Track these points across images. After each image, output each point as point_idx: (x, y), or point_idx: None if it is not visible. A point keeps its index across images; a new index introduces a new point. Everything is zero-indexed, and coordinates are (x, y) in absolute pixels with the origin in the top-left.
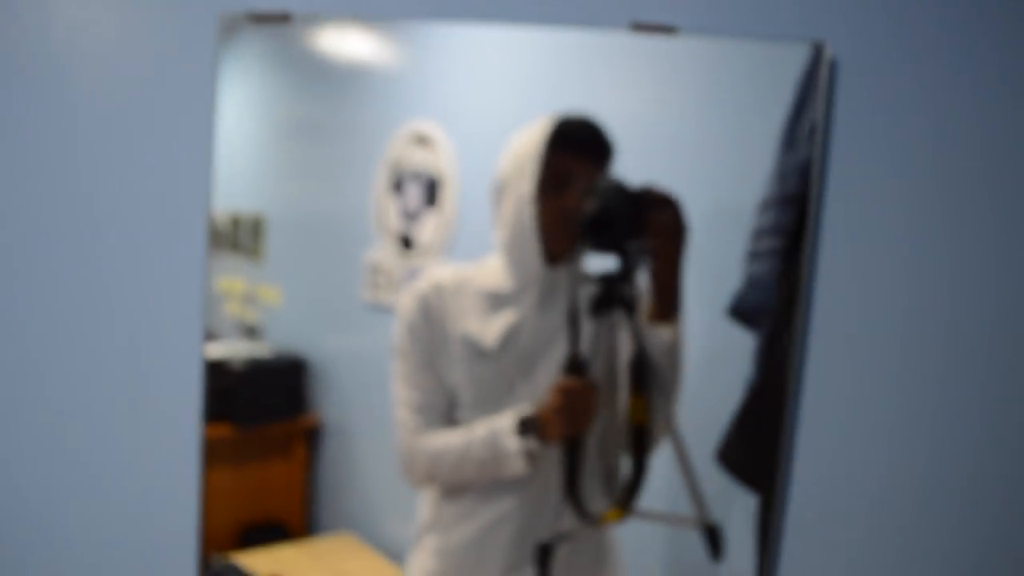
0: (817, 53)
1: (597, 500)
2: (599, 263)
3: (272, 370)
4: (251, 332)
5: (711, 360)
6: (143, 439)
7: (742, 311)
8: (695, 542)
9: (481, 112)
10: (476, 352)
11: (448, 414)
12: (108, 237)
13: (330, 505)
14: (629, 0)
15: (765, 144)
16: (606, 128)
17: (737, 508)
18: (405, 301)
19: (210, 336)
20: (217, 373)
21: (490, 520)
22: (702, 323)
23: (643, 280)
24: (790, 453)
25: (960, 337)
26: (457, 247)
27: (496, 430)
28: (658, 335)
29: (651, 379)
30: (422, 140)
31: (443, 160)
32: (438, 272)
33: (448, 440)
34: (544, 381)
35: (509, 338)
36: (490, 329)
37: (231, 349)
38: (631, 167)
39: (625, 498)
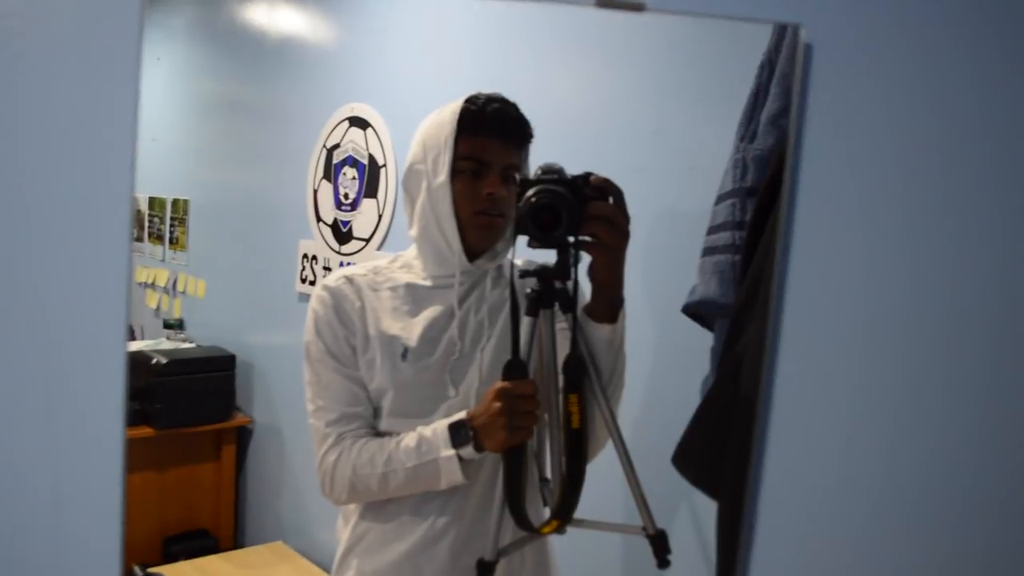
0: (785, 35)
1: (537, 510)
2: (529, 255)
3: (197, 367)
4: (174, 326)
5: (666, 361)
6: (59, 442)
7: (698, 308)
8: (646, 549)
9: (423, 93)
10: (397, 353)
11: (371, 424)
12: (20, 222)
13: (260, 512)
14: None
15: (721, 134)
16: (521, 105)
17: (692, 514)
18: (313, 298)
19: (128, 331)
20: (136, 370)
21: (423, 538)
22: (656, 322)
23: (582, 274)
24: (760, 457)
25: (938, 334)
26: (396, 237)
27: (427, 438)
28: (598, 334)
29: (587, 380)
30: (359, 124)
31: (381, 145)
32: (352, 267)
33: (372, 452)
34: (475, 384)
35: (432, 337)
36: (411, 328)
37: (152, 345)
38: (583, 154)
39: (563, 508)
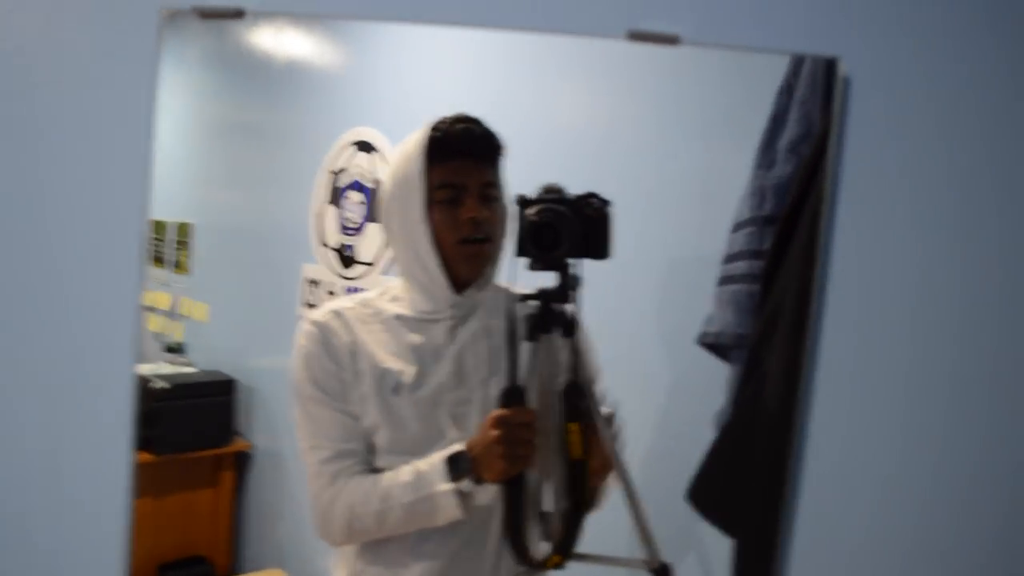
0: (804, 61)
1: (537, 544)
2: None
3: (198, 391)
4: (175, 350)
5: (677, 392)
6: (65, 466)
7: (714, 339)
8: None
9: (429, 118)
10: (390, 387)
11: (366, 461)
12: (34, 245)
13: (258, 538)
14: (627, 6)
15: (736, 160)
16: (527, 129)
17: (699, 551)
18: (301, 334)
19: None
20: (137, 395)
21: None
22: (670, 353)
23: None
24: (794, 494)
25: (984, 365)
26: None
27: (423, 472)
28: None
29: (587, 409)
30: (365, 148)
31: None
32: (340, 300)
33: (367, 489)
34: (475, 416)
35: (424, 372)
36: (402, 362)
37: (153, 369)
38: (590, 178)
39: (565, 541)
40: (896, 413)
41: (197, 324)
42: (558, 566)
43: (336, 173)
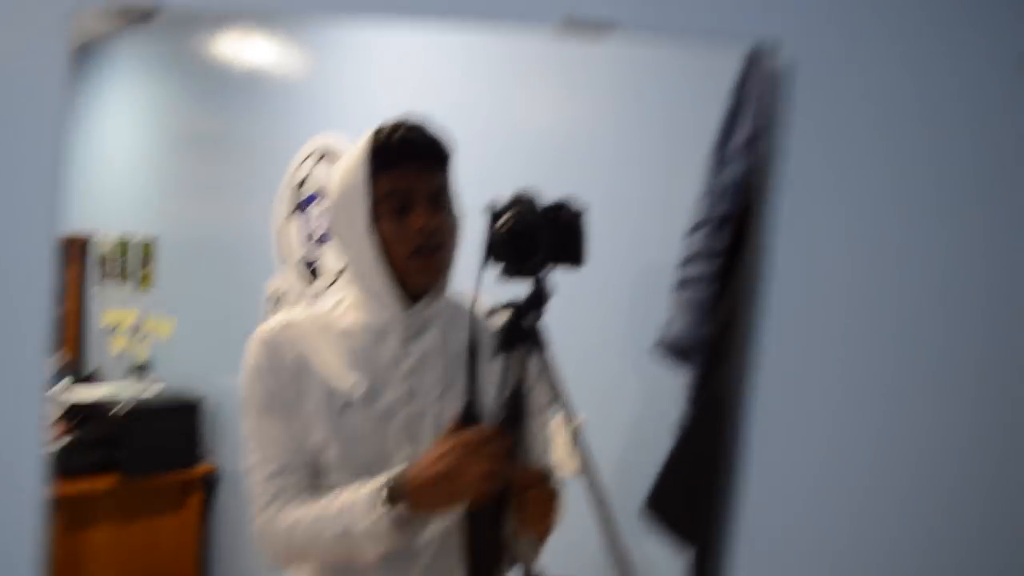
0: (757, 58)
1: (498, 568)
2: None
3: (162, 412)
4: (139, 370)
5: (644, 400)
6: None
7: (672, 344)
8: None
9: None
10: (339, 403)
11: (311, 480)
12: None
13: (227, 565)
14: None
15: (693, 163)
16: (490, 132)
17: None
18: (250, 345)
19: (94, 376)
20: (99, 418)
21: None
22: (630, 360)
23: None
24: (733, 502)
25: (925, 365)
26: None
27: (356, 499)
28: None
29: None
30: (329, 156)
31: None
32: (292, 311)
33: (301, 515)
34: (428, 432)
35: (376, 388)
36: (353, 375)
37: (116, 389)
38: (554, 182)
39: (530, 565)
40: (838, 415)
41: (162, 342)
42: None
43: (299, 185)
